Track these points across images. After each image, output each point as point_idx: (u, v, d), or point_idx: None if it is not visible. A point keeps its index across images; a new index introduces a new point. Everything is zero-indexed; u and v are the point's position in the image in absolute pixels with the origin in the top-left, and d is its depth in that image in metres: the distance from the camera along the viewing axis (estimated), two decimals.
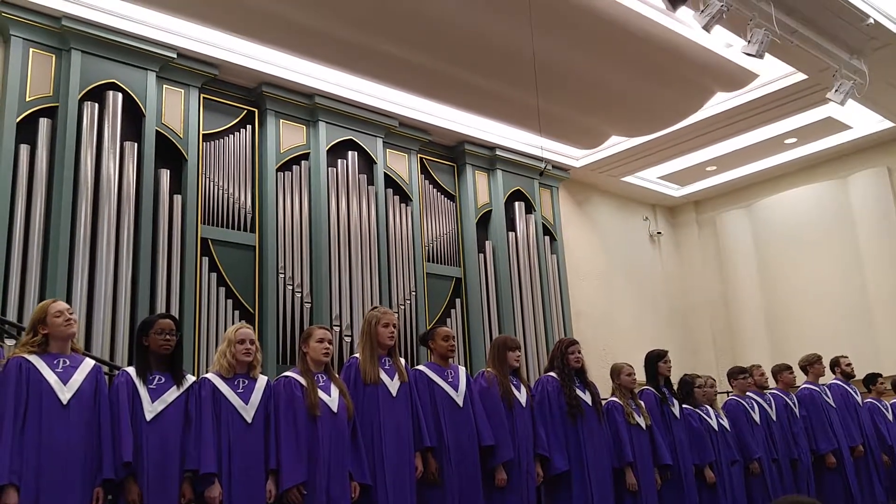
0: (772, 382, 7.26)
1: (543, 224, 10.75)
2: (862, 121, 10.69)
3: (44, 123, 6.95)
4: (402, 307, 8.91)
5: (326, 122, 8.72)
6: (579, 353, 5.39)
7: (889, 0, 8.01)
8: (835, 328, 10.86)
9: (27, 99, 6.90)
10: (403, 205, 9.38)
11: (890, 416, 7.49)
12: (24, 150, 6.80)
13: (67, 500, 3.51)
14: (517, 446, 4.85)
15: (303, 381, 4.24)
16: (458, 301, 9.74)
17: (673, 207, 13.53)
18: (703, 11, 6.84)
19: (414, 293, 9.09)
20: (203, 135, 7.93)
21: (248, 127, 8.37)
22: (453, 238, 9.96)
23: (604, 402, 5.53)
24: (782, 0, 7.33)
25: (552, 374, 5.36)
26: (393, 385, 4.53)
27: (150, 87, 7.48)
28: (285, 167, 8.43)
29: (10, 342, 5.51)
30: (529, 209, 10.57)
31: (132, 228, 7.09)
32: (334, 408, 4.23)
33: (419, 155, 9.78)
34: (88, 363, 3.84)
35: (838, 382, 7.43)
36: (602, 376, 6.08)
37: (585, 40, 8.08)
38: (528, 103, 8.54)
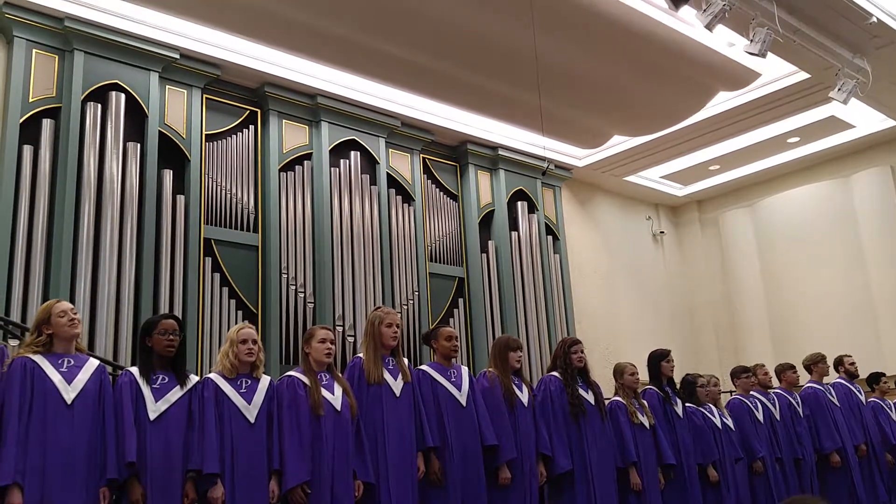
0: (775, 382, 7.26)
1: (546, 224, 10.75)
2: (865, 120, 10.67)
3: (47, 124, 6.96)
4: (405, 307, 8.91)
5: (329, 122, 8.73)
6: (582, 352, 5.38)
7: None
8: (838, 327, 10.84)
9: (30, 100, 6.91)
10: (406, 205, 9.38)
11: (893, 416, 7.47)
12: (28, 150, 6.81)
13: (71, 499, 3.51)
14: (519, 446, 4.84)
15: (306, 380, 4.24)
16: (460, 301, 9.74)
17: (676, 207, 13.52)
18: (705, 10, 6.83)
19: (417, 293, 9.09)
20: (206, 135, 7.94)
21: (251, 127, 8.37)
22: (456, 238, 9.96)
23: (607, 402, 5.53)
24: None
25: (555, 373, 5.35)
26: (396, 385, 4.53)
27: (152, 87, 7.49)
28: (288, 167, 8.44)
29: (13, 342, 5.53)
30: (532, 209, 10.57)
31: (135, 229, 7.10)
32: (338, 406, 4.23)
33: (422, 155, 9.78)
34: (93, 363, 3.85)
35: (842, 382, 7.42)
36: (605, 376, 6.07)
37: (587, 40, 8.07)
38: (530, 103, 8.54)
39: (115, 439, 3.68)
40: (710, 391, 6.31)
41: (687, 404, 6.03)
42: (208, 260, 7.67)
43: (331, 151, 8.71)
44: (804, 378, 7.42)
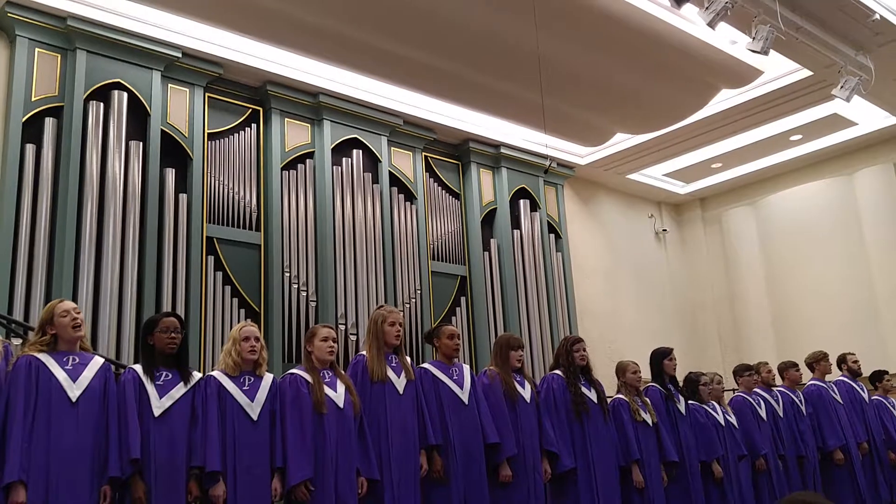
0: (778, 380, 7.25)
1: (548, 222, 10.75)
2: (868, 117, 10.66)
3: (49, 123, 6.97)
4: (408, 305, 8.91)
5: (331, 121, 8.73)
6: (584, 350, 5.39)
7: None
8: (841, 325, 10.83)
9: (33, 99, 6.91)
10: (408, 203, 9.38)
11: None
12: (30, 149, 6.82)
13: (76, 497, 3.53)
14: (521, 443, 4.85)
15: (309, 377, 4.25)
16: (462, 299, 9.74)
17: (678, 205, 13.51)
18: (707, 8, 6.83)
19: (419, 291, 9.10)
20: (208, 134, 7.94)
21: (253, 126, 8.38)
22: (458, 236, 9.96)
23: (609, 400, 5.53)
24: None
25: (557, 372, 5.36)
26: (400, 383, 4.54)
27: (155, 86, 7.49)
28: (290, 166, 8.44)
29: (16, 341, 5.53)
30: (534, 207, 10.57)
31: (138, 227, 7.11)
32: (340, 404, 4.24)
33: (424, 153, 9.78)
34: (98, 361, 3.86)
35: (845, 379, 7.42)
36: (607, 374, 6.07)
37: (590, 38, 8.07)
38: (532, 101, 8.54)
39: (118, 437, 3.69)
40: (713, 389, 6.31)
41: (690, 402, 6.03)
42: (211, 258, 7.67)
43: (333, 150, 8.71)
44: (807, 376, 7.42)
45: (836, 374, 7.53)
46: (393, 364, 4.58)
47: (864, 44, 8.34)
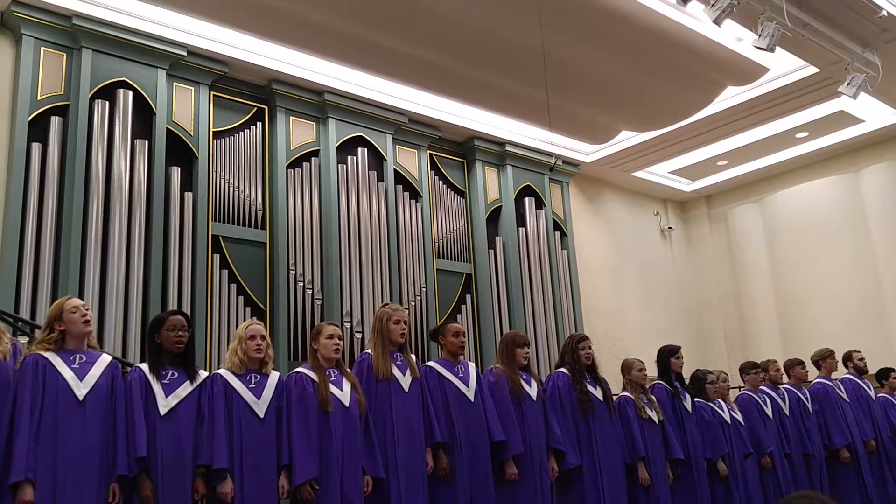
0: (784, 378, 7.24)
1: (554, 219, 10.74)
2: (874, 114, 10.62)
3: (55, 122, 6.98)
4: (413, 303, 8.91)
5: (336, 119, 8.73)
6: (590, 348, 5.39)
7: None
8: (847, 322, 10.80)
9: (39, 98, 6.93)
10: (413, 201, 9.38)
11: None
12: (36, 148, 6.84)
13: (84, 495, 3.53)
14: (528, 440, 4.85)
15: (314, 376, 4.25)
16: (468, 297, 9.74)
17: (684, 202, 13.48)
18: (713, 5, 6.81)
19: (424, 289, 9.10)
20: (213, 132, 7.95)
21: (259, 124, 8.39)
22: (463, 234, 9.96)
23: (615, 398, 5.53)
24: None
25: (563, 369, 5.36)
26: (405, 381, 4.54)
27: (160, 84, 7.50)
28: (295, 164, 8.45)
29: (23, 339, 5.55)
30: (539, 205, 10.56)
31: (143, 226, 7.12)
32: (346, 402, 4.24)
33: (429, 151, 9.78)
34: (105, 359, 3.86)
35: (851, 377, 7.40)
36: (613, 372, 6.07)
37: (595, 35, 8.05)
38: (537, 99, 8.52)
39: (125, 435, 3.70)
40: (720, 387, 6.30)
41: (696, 399, 6.02)
42: (216, 256, 7.68)
43: (338, 148, 8.71)
44: (813, 374, 7.40)
45: (842, 372, 7.51)
46: (398, 362, 4.59)
47: (871, 40, 8.30)
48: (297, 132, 8.53)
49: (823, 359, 7.32)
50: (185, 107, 7.71)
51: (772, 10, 7.12)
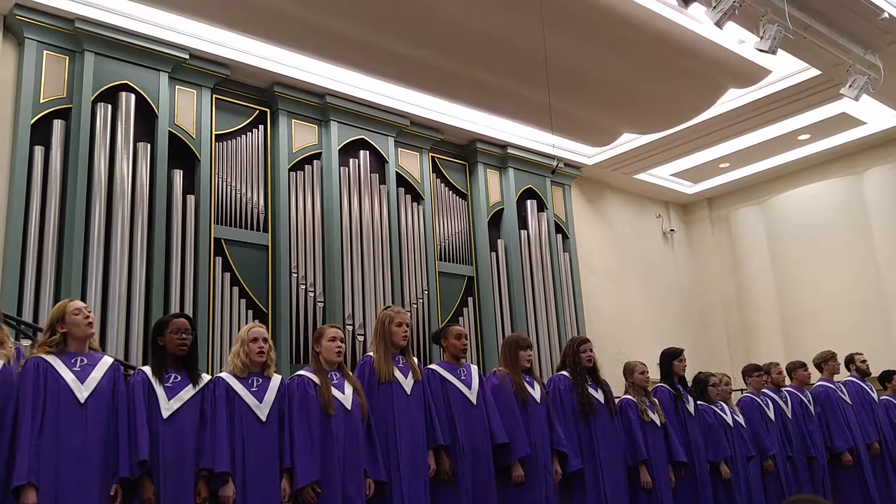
0: (787, 380, 7.23)
1: (556, 222, 10.73)
2: (876, 116, 10.61)
3: (58, 125, 6.99)
4: (415, 306, 8.91)
5: (338, 122, 8.74)
6: (591, 351, 5.38)
7: None
8: (850, 325, 10.78)
9: (41, 101, 6.94)
10: (415, 204, 9.39)
11: None
12: (39, 151, 6.85)
13: (86, 498, 3.53)
14: (533, 442, 4.83)
15: (316, 379, 4.25)
16: (470, 300, 9.74)
17: (686, 204, 13.48)
18: (715, 7, 6.80)
19: (426, 292, 9.10)
20: (216, 135, 7.96)
21: (261, 127, 8.39)
22: (465, 237, 9.96)
23: (617, 401, 5.52)
24: None
25: (564, 372, 5.35)
26: (407, 383, 4.54)
27: (162, 87, 7.52)
28: (297, 167, 8.46)
29: (26, 343, 5.56)
30: (541, 207, 10.56)
31: (146, 229, 7.13)
32: (348, 405, 4.24)
33: (431, 154, 9.78)
34: (106, 361, 3.86)
35: (853, 380, 7.39)
36: (615, 374, 6.06)
37: (597, 37, 8.06)
38: (539, 101, 8.53)
39: (127, 438, 3.69)
40: (722, 390, 6.29)
41: (698, 402, 6.01)
42: (218, 259, 7.69)
43: (340, 151, 8.72)
44: (815, 376, 7.39)
45: (844, 374, 7.50)
46: (400, 365, 4.58)
47: (873, 42, 8.30)
48: (299, 135, 8.54)
49: (825, 361, 7.31)
50: (187, 110, 7.73)
51: (773, 12, 7.11)
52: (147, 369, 3.96)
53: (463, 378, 4.81)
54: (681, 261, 13.10)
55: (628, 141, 10.82)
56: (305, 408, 4.14)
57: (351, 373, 4.51)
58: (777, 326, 11.98)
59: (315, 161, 8.61)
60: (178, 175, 7.54)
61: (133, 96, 7.33)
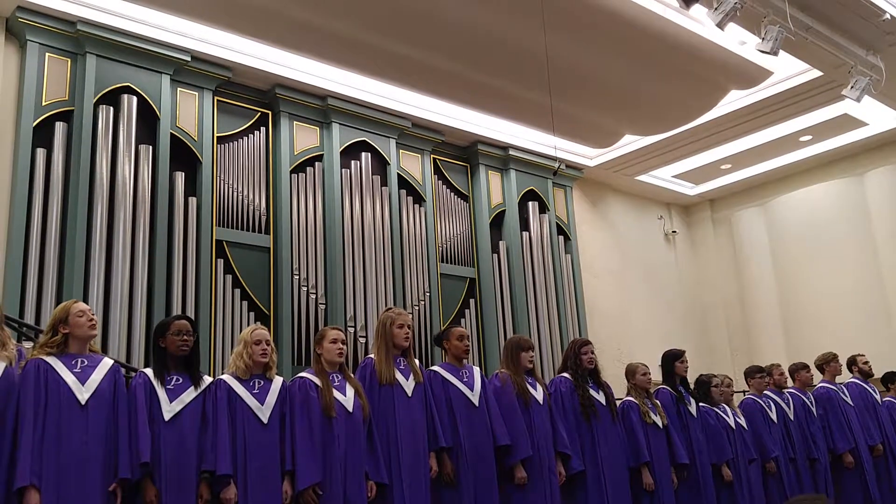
0: (789, 382, 7.22)
1: (557, 224, 10.73)
2: (878, 117, 10.60)
3: (60, 127, 7.00)
4: (417, 308, 8.91)
5: (340, 124, 8.74)
6: (592, 353, 5.37)
7: None
8: (852, 326, 10.77)
9: (43, 103, 6.96)
10: (417, 205, 9.39)
11: None
12: (41, 153, 6.86)
13: (87, 499, 3.53)
14: (536, 444, 4.82)
15: (318, 381, 4.25)
16: (472, 301, 9.74)
17: (688, 206, 13.47)
18: (716, 9, 6.80)
19: (428, 294, 9.10)
20: (217, 137, 7.96)
21: (262, 129, 8.40)
22: (467, 238, 9.96)
23: (619, 402, 5.51)
24: None
25: (565, 374, 5.35)
26: (408, 385, 4.53)
27: (164, 90, 7.52)
28: (299, 169, 8.46)
29: (27, 345, 5.56)
30: (543, 209, 10.55)
31: (147, 231, 7.13)
32: (350, 407, 4.24)
33: (432, 155, 9.78)
34: (107, 362, 3.86)
35: (856, 381, 7.38)
36: (617, 376, 6.06)
37: (598, 39, 8.06)
38: (541, 103, 8.52)
39: (128, 439, 3.70)
40: (724, 391, 6.28)
41: (700, 404, 6.00)
42: (220, 262, 7.69)
43: (341, 153, 8.72)
44: (818, 378, 7.38)
45: (846, 376, 7.49)
46: (401, 367, 4.58)
47: (875, 43, 8.29)
48: (301, 137, 8.54)
49: (827, 363, 7.30)
50: (188, 112, 7.73)
51: (775, 13, 7.11)
52: (149, 371, 3.97)
53: (465, 380, 4.81)
54: (682, 262, 13.09)
55: (630, 142, 10.81)
56: (307, 410, 4.14)
57: (352, 374, 4.51)
58: (779, 328, 11.97)
59: (316, 163, 8.61)
60: (180, 177, 7.54)
61: (135, 98, 7.33)
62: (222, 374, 4.27)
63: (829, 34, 7.83)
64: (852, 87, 8.14)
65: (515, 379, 4.98)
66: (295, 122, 8.51)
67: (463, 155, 10.24)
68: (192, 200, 7.57)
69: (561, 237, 10.74)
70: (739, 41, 8.45)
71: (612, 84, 8.96)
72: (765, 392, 6.78)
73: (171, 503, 3.72)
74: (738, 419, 6.22)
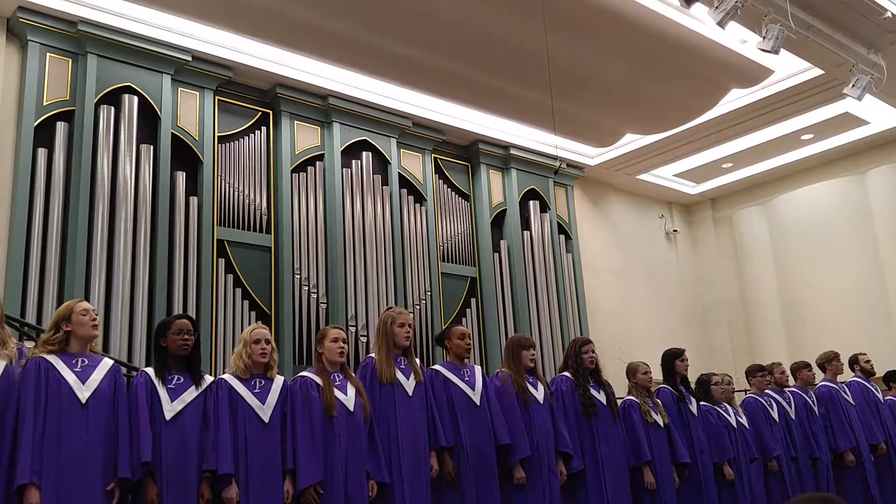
0: (791, 380, 7.21)
1: (558, 223, 10.73)
2: (880, 115, 10.59)
3: (61, 127, 7.01)
4: (418, 307, 8.91)
5: (340, 123, 8.74)
6: (593, 352, 5.37)
7: None
8: (853, 325, 10.76)
9: (44, 103, 6.96)
10: (418, 205, 9.39)
11: None
12: (42, 153, 6.87)
13: (88, 498, 3.54)
14: (536, 444, 4.82)
15: (319, 380, 4.25)
16: (473, 301, 9.74)
17: (689, 205, 13.46)
18: (717, 7, 6.80)
19: (429, 293, 9.10)
20: (218, 137, 7.97)
21: (263, 128, 8.40)
22: (468, 237, 9.96)
23: (620, 402, 5.51)
24: None
25: (566, 373, 5.35)
26: (409, 384, 4.53)
27: (165, 89, 7.52)
28: (300, 168, 8.46)
29: (29, 344, 5.56)
30: (544, 208, 10.55)
31: (149, 230, 7.14)
32: (351, 407, 4.24)
33: (433, 155, 9.78)
34: (107, 363, 3.87)
35: (858, 380, 7.37)
36: (618, 375, 6.05)
37: (599, 38, 8.05)
38: (542, 102, 8.52)
39: (128, 438, 3.70)
40: (725, 390, 6.28)
41: (701, 403, 6.00)
42: (221, 261, 7.70)
43: (342, 152, 8.72)
44: (820, 377, 7.37)
45: (848, 375, 7.48)
46: (402, 366, 4.58)
47: (876, 42, 8.29)
48: (302, 136, 8.54)
49: (829, 361, 7.29)
50: (190, 112, 7.74)
51: (776, 12, 7.11)
52: (150, 371, 3.97)
53: (466, 379, 4.81)
54: (684, 261, 13.09)
55: (631, 141, 10.81)
56: (308, 409, 4.15)
57: (353, 374, 4.51)
58: (780, 327, 11.97)
59: (317, 162, 8.61)
60: (181, 177, 7.55)
61: (136, 98, 7.34)
62: (223, 373, 4.26)
63: (831, 32, 7.82)
64: (853, 86, 8.13)
65: (516, 378, 4.98)
66: (296, 122, 8.52)
67: (464, 154, 10.24)
68: (194, 200, 7.58)
69: (562, 236, 10.74)
70: (740, 40, 8.45)
71: (612, 83, 8.95)
72: (766, 391, 6.78)
73: (173, 502, 3.72)
74: (739, 418, 6.22)
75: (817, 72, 9.00)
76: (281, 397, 4.15)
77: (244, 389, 4.09)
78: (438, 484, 4.48)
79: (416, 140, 9.52)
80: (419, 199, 9.43)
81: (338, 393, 4.24)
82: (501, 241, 10.13)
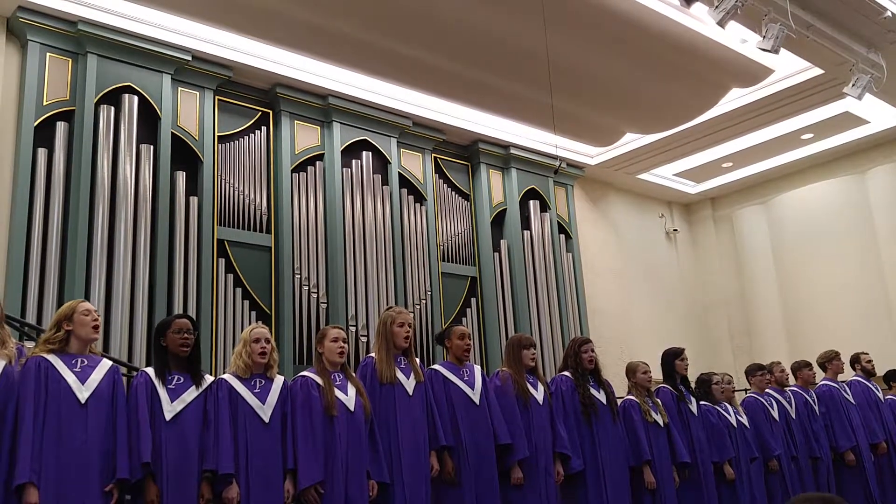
0: (791, 380, 7.21)
1: (558, 222, 10.72)
2: (880, 115, 10.59)
3: (61, 127, 7.01)
4: (418, 307, 8.91)
5: (340, 123, 8.74)
6: (593, 351, 5.37)
7: None
8: (854, 324, 10.76)
9: (44, 103, 6.96)
10: (418, 204, 9.38)
11: None
12: (42, 153, 6.87)
13: (86, 498, 3.54)
14: (534, 444, 4.83)
15: (319, 380, 4.25)
16: (473, 300, 9.73)
17: (689, 204, 13.46)
18: (717, 7, 6.81)
19: (429, 293, 9.10)
20: (218, 136, 7.97)
21: (263, 128, 8.40)
22: (468, 237, 9.96)
23: (620, 401, 5.51)
24: None
25: (566, 373, 5.34)
26: (409, 384, 4.53)
27: (165, 89, 7.52)
28: (300, 168, 8.46)
29: (29, 344, 5.56)
30: (544, 207, 10.55)
31: (149, 230, 7.14)
32: (351, 406, 4.24)
33: (433, 154, 9.78)
34: (106, 363, 3.88)
35: (859, 379, 7.37)
36: (618, 374, 6.05)
37: (599, 38, 8.05)
38: (542, 102, 8.53)
39: (126, 439, 3.70)
40: (725, 389, 6.28)
41: (702, 402, 6.00)
42: (221, 261, 7.69)
43: (342, 152, 8.72)
44: (820, 376, 7.37)
45: (849, 374, 7.48)
46: (402, 366, 4.58)
47: (876, 41, 8.29)
48: (302, 136, 8.54)
49: (829, 361, 7.29)
50: (190, 111, 7.73)
51: (776, 11, 7.11)
52: (150, 371, 3.97)
53: (466, 379, 4.81)
54: (684, 261, 13.09)
55: (631, 141, 10.81)
56: (308, 409, 4.15)
57: (353, 374, 4.51)
58: (780, 326, 11.96)
59: (317, 162, 8.61)
60: (181, 177, 7.55)
61: (136, 98, 7.34)
62: (223, 373, 4.26)
63: (831, 32, 7.82)
64: (853, 85, 8.13)
65: (516, 378, 4.98)
66: (296, 122, 8.51)
67: (464, 154, 10.24)
68: (194, 200, 7.58)
69: (562, 236, 10.74)
70: (740, 39, 8.44)
71: (612, 82, 8.95)
72: (766, 390, 6.77)
73: (173, 502, 3.72)
74: (739, 417, 6.22)
75: (817, 71, 8.99)
76: (281, 397, 4.15)
77: (244, 389, 4.09)
78: (438, 484, 4.48)
79: (416, 140, 9.52)
80: (419, 198, 9.43)
81: (338, 393, 4.24)
82: (501, 241, 10.12)
